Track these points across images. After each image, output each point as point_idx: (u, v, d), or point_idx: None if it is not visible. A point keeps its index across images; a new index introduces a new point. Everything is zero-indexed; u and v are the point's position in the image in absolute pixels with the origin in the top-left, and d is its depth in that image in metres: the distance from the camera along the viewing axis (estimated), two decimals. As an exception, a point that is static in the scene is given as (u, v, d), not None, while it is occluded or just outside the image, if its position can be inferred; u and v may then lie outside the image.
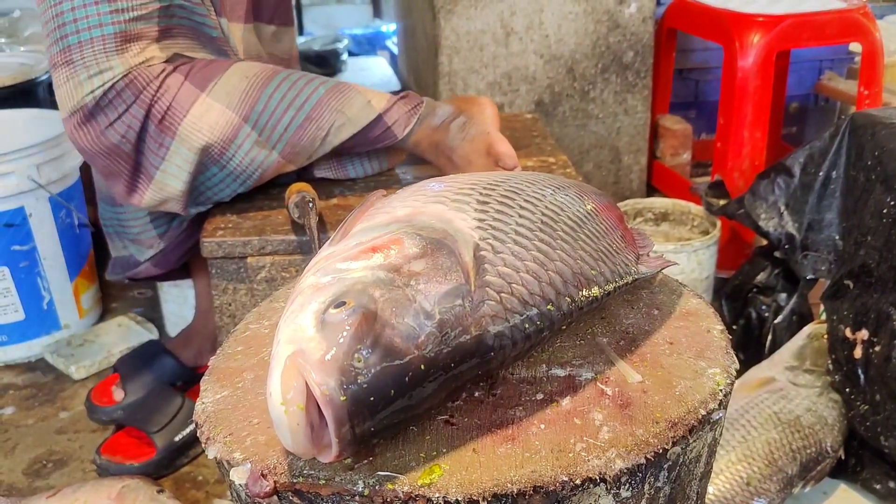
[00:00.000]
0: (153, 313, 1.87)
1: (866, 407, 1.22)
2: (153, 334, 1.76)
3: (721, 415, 0.63)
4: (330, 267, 0.58)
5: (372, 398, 0.51)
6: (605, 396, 0.62)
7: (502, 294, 0.57)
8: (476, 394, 0.63)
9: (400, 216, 0.63)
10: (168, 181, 1.15)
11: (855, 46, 1.96)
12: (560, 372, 0.65)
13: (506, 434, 0.59)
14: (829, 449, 1.22)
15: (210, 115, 1.11)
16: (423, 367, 0.53)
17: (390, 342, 0.52)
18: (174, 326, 1.76)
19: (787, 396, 1.27)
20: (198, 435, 0.63)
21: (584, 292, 0.61)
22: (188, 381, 1.47)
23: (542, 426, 0.59)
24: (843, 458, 1.24)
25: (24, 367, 1.72)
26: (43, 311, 1.74)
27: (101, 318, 1.89)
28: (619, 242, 0.69)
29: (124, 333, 1.77)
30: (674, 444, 0.59)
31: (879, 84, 1.72)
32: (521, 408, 0.61)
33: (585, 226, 0.66)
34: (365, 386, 0.51)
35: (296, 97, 1.13)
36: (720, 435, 0.66)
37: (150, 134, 1.13)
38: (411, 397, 0.53)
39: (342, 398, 0.50)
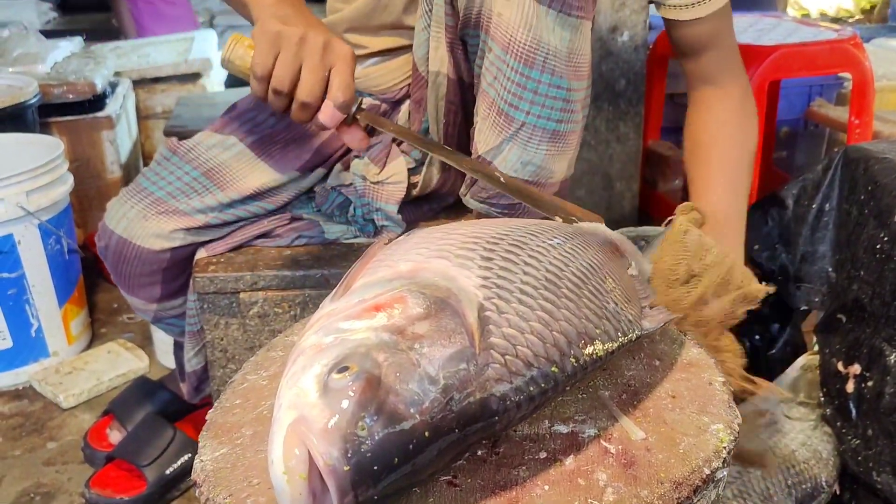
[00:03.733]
0: (143, 340, 1.85)
1: (858, 441, 1.22)
2: (143, 362, 1.74)
3: (724, 473, 0.63)
4: (332, 326, 0.57)
5: (375, 467, 0.51)
6: (608, 455, 0.62)
7: (507, 356, 0.56)
8: (479, 452, 0.63)
9: (403, 271, 0.63)
10: None
11: (845, 73, 1.98)
12: (563, 428, 0.65)
13: (509, 496, 0.58)
14: (824, 484, 1.22)
15: None
16: (427, 433, 0.52)
17: (394, 409, 0.52)
18: (165, 354, 1.74)
19: (782, 431, 1.27)
20: (196, 495, 0.62)
21: (588, 352, 0.61)
22: (182, 412, 1.46)
23: (546, 487, 0.59)
24: (837, 493, 1.24)
25: (12, 395, 1.70)
26: (31, 339, 1.71)
27: (91, 344, 1.86)
28: (623, 297, 0.68)
29: (114, 360, 1.75)
30: (678, 505, 0.59)
31: (870, 113, 1.73)
32: (524, 467, 0.61)
33: (589, 281, 0.65)
34: (368, 455, 0.50)
35: None
36: (723, 491, 0.65)
37: None
38: (415, 464, 0.53)
39: (345, 468, 0.50)
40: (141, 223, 1.13)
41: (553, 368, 0.58)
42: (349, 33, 1.18)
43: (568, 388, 0.62)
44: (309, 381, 0.53)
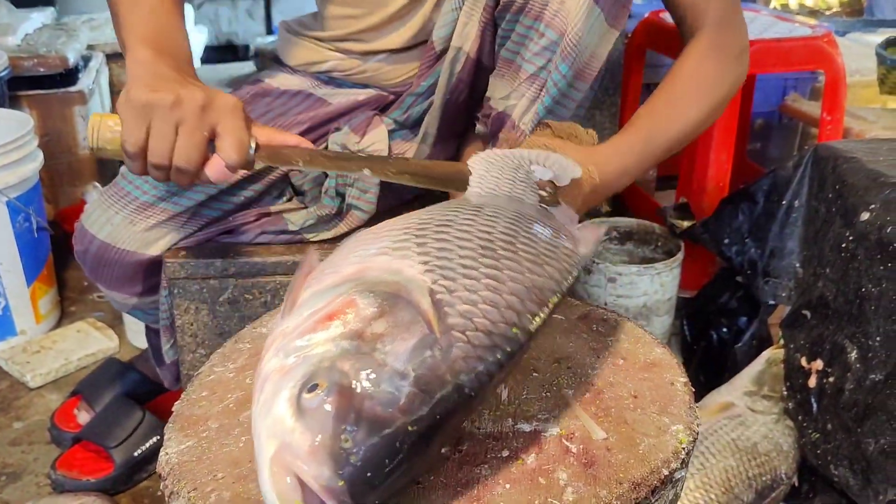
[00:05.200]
0: (114, 319, 1.84)
1: (818, 435, 1.25)
2: (113, 342, 1.73)
3: (683, 473, 0.64)
4: (290, 346, 0.56)
5: (369, 473, 0.51)
6: (569, 454, 0.63)
7: (468, 332, 0.57)
8: (442, 449, 0.63)
9: (348, 274, 0.62)
10: None
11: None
12: (526, 427, 0.66)
13: (471, 495, 0.59)
14: (783, 476, 1.25)
15: None
16: (410, 428, 0.52)
17: (373, 413, 0.52)
18: (135, 334, 1.73)
19: (745, 423, 1.29)
20: (161, 488, 0.63)
21: (542, 301, 0.62)
22: (152, 394, 1.45)
23: (508, 486, 0.60)
24: (796, 485, 1.27)
25: (-22, 373, 1.68)
26: (-2, 317, 1.70)
27: (59, 322, 1.85)
28: (554, 234, 0.69)
29: (83, 340, 1.74)
30: (636, 505, 0.60)
31: (841, 110, 1.75)
32: (486, 465, 0.62)
33: (518, 234, 0.66)
34: (359, 464, 0.50)
35: None
36: (682, 490, 0.67)
37: None
38: (407, 460, 0.53)
39: (340, 483, 0.50)
40: (128, 228, 1.10)
41: (514, 329, 0.59)
42: (357, 42, 1.17)
43: (533, 343, 0.63)
44: (282, 407, 0.52)
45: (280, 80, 1.22)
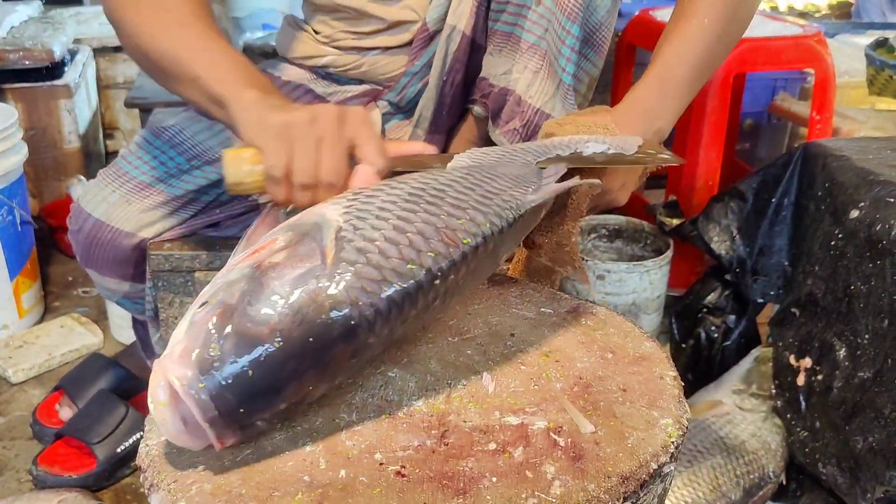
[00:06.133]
0: (98, 314, 1.82)
1: (806, 434, 1.25)
2: (97, 337, 1.71)
3: (672, 467, 0.64)
4: (219, 274, 0.63)
5: (230, 382, 0.55)
6: (557, 448, 0.62)
7: (357, 265, 0.60)
8: (428, 442, 0.62)
9: (290, 221, 0.67)
10: None
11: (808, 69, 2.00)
12: (513, 420, 0.65)
13: (457, 488, 0.58)
14: (771, 474, 1.25)
15: None
16: (278, 345, 0.57)
17: (244, 329, 0.57)
18: (120, 329, 1.72)
19: (733, 421, 1.29)
20: (141, 480, 0.61)
21: (450, 241, 0.64)
22: (136, 389, 1.43)
23: (494, 479, 0.59)
24: (784, 483, 1.27)
25: (-41, 368, 1.66)
26: (-20, 311, 1.68)
27: (43, 317, 1.83)
28: (507, 185, 0.72)
29: (66, 335, 1.72)
30: (625, 499, 0.59)
31: (831, 110, 1.75)
32: (472, 458, 0.61)
33: (457, 185, 0.69)
34: (222, 372, 0.55)
35: None
36: (670, 485, 0.66)
37: None
38: (276, 377, 0.57)
39: (200, 385, 0.55)
40: (124, 207, 1.09)
41: (409, 265, 0.62)
42: (355, 39, 1.16)
43: (444, 283, 0.64)
44: (184, 322, 0.58)
45: (282, 71, 1.22)
